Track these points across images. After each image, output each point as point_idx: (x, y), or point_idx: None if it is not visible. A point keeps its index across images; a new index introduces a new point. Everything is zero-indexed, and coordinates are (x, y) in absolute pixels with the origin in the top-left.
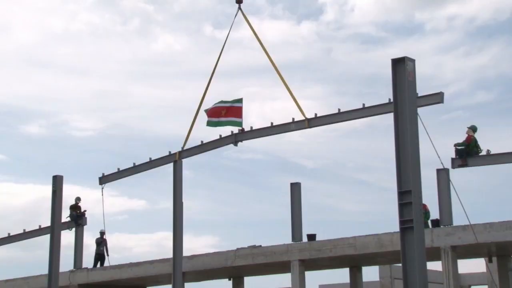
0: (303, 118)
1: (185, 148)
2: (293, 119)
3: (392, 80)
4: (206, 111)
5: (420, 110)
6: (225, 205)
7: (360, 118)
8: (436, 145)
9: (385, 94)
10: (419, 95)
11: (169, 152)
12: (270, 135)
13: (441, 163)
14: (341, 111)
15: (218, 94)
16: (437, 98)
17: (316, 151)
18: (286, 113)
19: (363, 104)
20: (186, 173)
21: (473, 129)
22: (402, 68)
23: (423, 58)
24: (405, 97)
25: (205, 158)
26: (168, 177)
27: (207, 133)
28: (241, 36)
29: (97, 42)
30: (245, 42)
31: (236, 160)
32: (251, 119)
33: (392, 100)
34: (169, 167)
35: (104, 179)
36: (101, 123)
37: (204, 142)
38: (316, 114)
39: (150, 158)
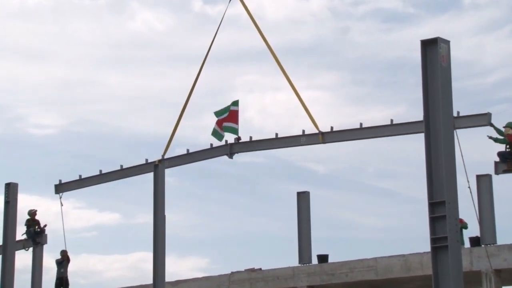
0: (317, 131)
1: (167, 155)
2: (303, 131)
3: (422, 66)
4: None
5: (455, 103)
6: (217, 219)
7: (386, 136)
8: (475, 146)
9: (413, 84)
10: (454, 87)
11: (146, 160)
12: (274, 148)
13: (467, 181)
14: (363, 126)
15: (209, 84)
16: (482, 119)
17: (329, 153)
18: (292, 107)
19: (391, 121)
20: (169, 180)
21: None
22: (434, 51)
23: (460, 40)
24: (438, 87)
25: (200, 163)
26: (147, 185)
27: (197, 133)
28: (237, 13)
29: (60, 20)
30: (242, 21)
31: (231, 164)
32: (249, 113)
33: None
34: (149, 173)
35: (61, 188)
36: (65, 119)
37: (191, 150)
38: (332, 128)
39: (122, 166)
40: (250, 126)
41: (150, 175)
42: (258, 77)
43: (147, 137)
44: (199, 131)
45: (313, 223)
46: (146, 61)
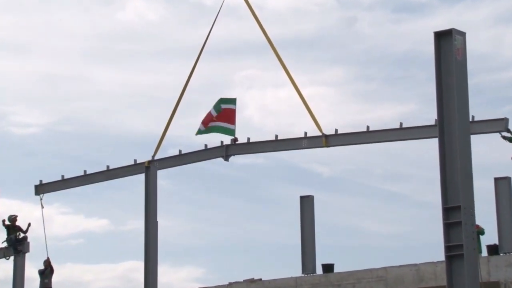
0: (320, 133)
1: (158, 156)
2: (305, 134)
3: (435, 60)
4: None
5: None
6: (214, 226)
7: (395, 141)
8: (492, 147)
9: (425, 79)
10: (470, 83)
11: (135, 160)
12: (273, 151)
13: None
14: (370, 129)
15: (205, 79)
16: (498, 125)
17: (334, 154)
18: (294, 104)
19: (400, 124)
20: (161, 183)
21: None
22: (448, 44)
23: (476, 31)
24: (453, 83)
25: (194, 165)
26: (138, 188)
27: (191, 132)
28: (236, 3)
29: (45, 11)
30: (241, 11)
31: (229, 166)
32: (249, 111)
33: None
34: (140, 175)
35: (41, 189)
36: (49, 117)
37: (184, 151)
38: (336, 131)
39: (108, 167)
40: (249, 125)
41: (141, 178)
42: (258, 72)
43: (138, 137)
44: (193, 131)
45: (318, 229)
46: (137, 55)
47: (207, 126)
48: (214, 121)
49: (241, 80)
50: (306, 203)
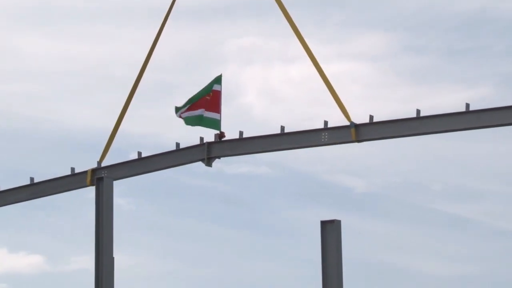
0: (348, 122)
1: (108, 161)
2: (325, 124)
3: None
4: (178, 111)
5: None
6: (196, 264)
7: (459, 130)
8: None
9: (503, 51)
10: None
11: (72, 169)
12: (276, 150)
13: None
14: (421, 114)
15: (181, 51)
16: None
17: (371, 160)
18: (312, 87)
19: (467, 106)
20: (120, 201)
21: None
22: None
23: None
24: None
25: (157, 173)
26: (86, 208)
27: (160, 128)
28: None
29: None
30: None
31: (217, 178)
32: (246, 97)
33: None
34: (89, 190)
35: None
36: None
37: (145, 154)
38: (372, 117)
39: (32, 179)
40: (246, 117)
41: (90, 196)
42: (260, 40)
43: (81, 135)
44: (162, 125)
45: (346, 266)
46: (82, 17)
47: (197, 113)
48: (206, 108)
49: (235, 52)
50: (330, 230)
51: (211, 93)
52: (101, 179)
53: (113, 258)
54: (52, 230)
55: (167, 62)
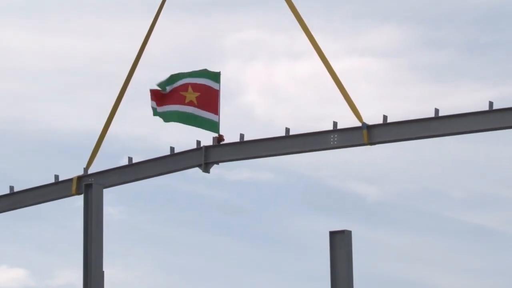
0: (359, 123)
1: (95, 168)
2: (335, 125)
3: None
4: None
5: None
6: (193, 279)
7: (481, 131)
8: None
9: None
10: None
11: (56, 176)
12: (280, 154)
13: None
14: (440, 114)
15: (177, 46)
16: None
17: (385, 166)
18: (321, 85)
19: (490, 104)
20: (110, 210)
21: None
22: None
23: None
24: None
25: (150, 180)
26: (73, 217)
27: (152, 130)
28: None
29: None
30: None
31: (216, 184)
32: (249, 97)
33: None
34: (77, 198)
35: None
36: None
37: (136, 159)
38: (385, 118)
39: (12, 188)
40: (247, 118)
41: (77, 205)
42: (263, 34)
43: (66, 139)
44: (155, 127)
45: (357, 281)
46: (69, 9)
47: (177, 108)
48: (195, 105)
49: (236, 47)
50: (340, 242)
51: (190, 87)
52: (89, 185)
53: (102, 272)
54: (36, 242)
55: (161, 58)
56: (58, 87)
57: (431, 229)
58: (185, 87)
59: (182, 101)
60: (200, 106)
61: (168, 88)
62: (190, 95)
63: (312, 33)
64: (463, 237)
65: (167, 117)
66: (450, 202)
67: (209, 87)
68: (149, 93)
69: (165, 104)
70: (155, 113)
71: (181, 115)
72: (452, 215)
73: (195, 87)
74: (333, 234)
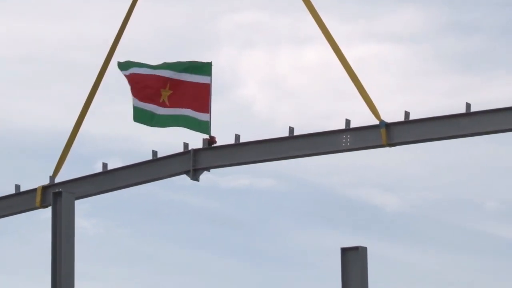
0: (376, 121)
1: (64, 176)
2: (347, 123)
3: None
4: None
5: None
6: None
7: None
8: None
9: None
10: None
11: (17, 186)
12: (282, 158)
13: None
14: (471, 110)
15: (163, 32)
16: None
17: (406, 171)
18: (331, 77)
19: None
20: (83, 223)
21: None
22: None
23: None
24: None
25: (131, 188)
26: (40, 231)
27: (133, 132)
28: None
29: None
30: None
31: (208, 193)
32: (247, 90)
33: None
34: (42, 210)
35: None
36: None
37: (111, 166)
38: (407, 114)
39: None
40: (245, 115)
41: (44, 217)
42: (263, 16)
43: (33, 138)
44: (135, 127)
45: None
46: None
47: (155, 109)
48: (174, 105)
49: (232, 32)
50: (353, 260)
51: (169, 84)
52: (59, 194)
53: None
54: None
55: (142, 44)
56: (20, 79)
57: (460, 246)
58: (164, 82)
59: (157, 100)
60: (188, 103)
61: (129, 72)
62: (165, 93)
63: (321, 15)
64: (498, 255)
65: (139, 117)
66: (483, 214)
67: (200, 83)
68: (126, 80)
69: (141, 99)
70: (138, 117)
71: (171, 117)
72: (486, 228)
73: (174, 84)
74: (345, 251)
